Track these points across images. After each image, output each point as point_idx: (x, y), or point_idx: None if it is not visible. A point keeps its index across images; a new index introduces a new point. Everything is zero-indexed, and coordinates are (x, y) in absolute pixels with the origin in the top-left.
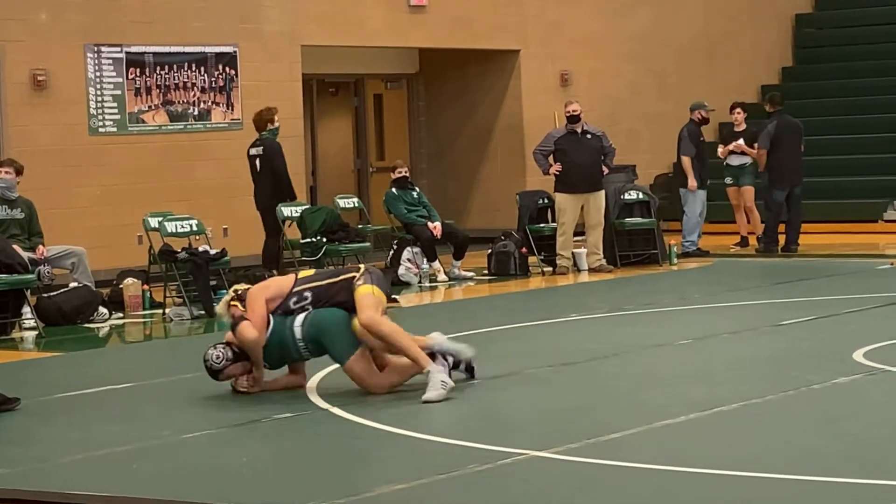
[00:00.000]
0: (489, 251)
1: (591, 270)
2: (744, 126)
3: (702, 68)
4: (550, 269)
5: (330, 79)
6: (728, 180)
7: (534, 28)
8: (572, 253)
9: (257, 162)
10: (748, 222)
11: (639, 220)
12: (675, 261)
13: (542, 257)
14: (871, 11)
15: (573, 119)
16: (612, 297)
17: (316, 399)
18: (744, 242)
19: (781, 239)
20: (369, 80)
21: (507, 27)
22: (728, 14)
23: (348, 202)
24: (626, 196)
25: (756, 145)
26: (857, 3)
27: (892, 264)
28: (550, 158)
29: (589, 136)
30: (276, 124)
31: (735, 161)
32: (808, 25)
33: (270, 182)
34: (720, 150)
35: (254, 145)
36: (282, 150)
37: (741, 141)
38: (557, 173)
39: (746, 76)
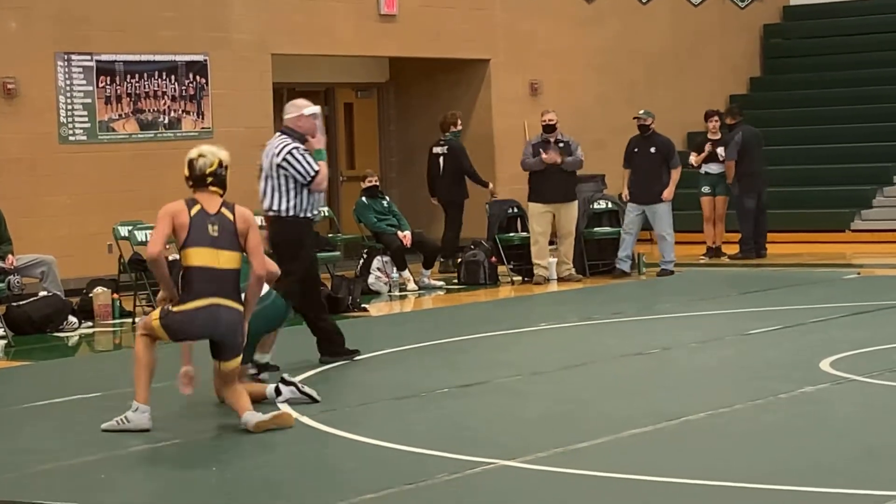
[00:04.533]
0: (459, 260)
1: (561, 280)
2: (719, 135)
3: (670, 79)
4: (520, 278)
5: (300, 87)
6: (706, 189)
7: (503, 38)
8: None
9: (441, 160)
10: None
11: (608, 229)
12: (644, 270)
13: (512, 266)
14: (840, 22)
15: (548, 128)
16: (581, 306)
17: (287, 409)
18: (710, 253)
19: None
20: (339, 89)
21: (476, 37)
22: (696, 25)
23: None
24: (596, 205)
25: (723, 156)
26: (825, 14)
27: (858, 274)
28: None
29: (561, 145)
30: (459, 127)
31: (714, 169)
32: (776, 36)
33: (452, 179)
34: (693, 158)
35: (437, 145)
36: (465, 150)
37: (720, 149)
38: (557, 161)
39: (715, 86)
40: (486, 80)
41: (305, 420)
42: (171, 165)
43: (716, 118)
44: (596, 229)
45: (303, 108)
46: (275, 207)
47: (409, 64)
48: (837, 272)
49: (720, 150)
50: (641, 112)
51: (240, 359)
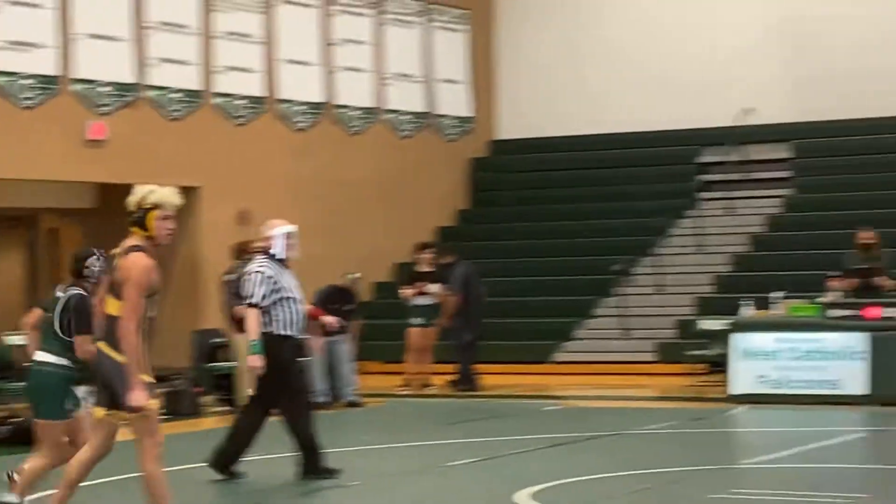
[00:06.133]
0: (163, 390)
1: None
2: (432, 267)
3: (379, 209)
4: (226, 408)
5: (3, 212)
6: (416, 321)
7: (214, 165)
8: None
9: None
10: (418, 363)
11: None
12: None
13: (218, 396)
14: (546, 157)
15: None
16: (279, 437)
17: None
18: (412, 384)
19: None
20: (45, 214)
21: (186, 164)
22: (404, 157)
23: (20, 339)
24: None
25: (445, 289)
26: (532, 149)
27: (559, 405)
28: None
29: None
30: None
31: (425, 301)
32: (484, 169)
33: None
34: (404, 291)
35: (228, 272)
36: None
37: (436, 286)
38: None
39: (423, 218)
40: (195, 208)
41: None
42: None
43: (429, 251)
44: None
45: (270, 229)
46: None
47: (119, 189)
48: (539, 403)
49: (433, 287)
50: (357, 275)
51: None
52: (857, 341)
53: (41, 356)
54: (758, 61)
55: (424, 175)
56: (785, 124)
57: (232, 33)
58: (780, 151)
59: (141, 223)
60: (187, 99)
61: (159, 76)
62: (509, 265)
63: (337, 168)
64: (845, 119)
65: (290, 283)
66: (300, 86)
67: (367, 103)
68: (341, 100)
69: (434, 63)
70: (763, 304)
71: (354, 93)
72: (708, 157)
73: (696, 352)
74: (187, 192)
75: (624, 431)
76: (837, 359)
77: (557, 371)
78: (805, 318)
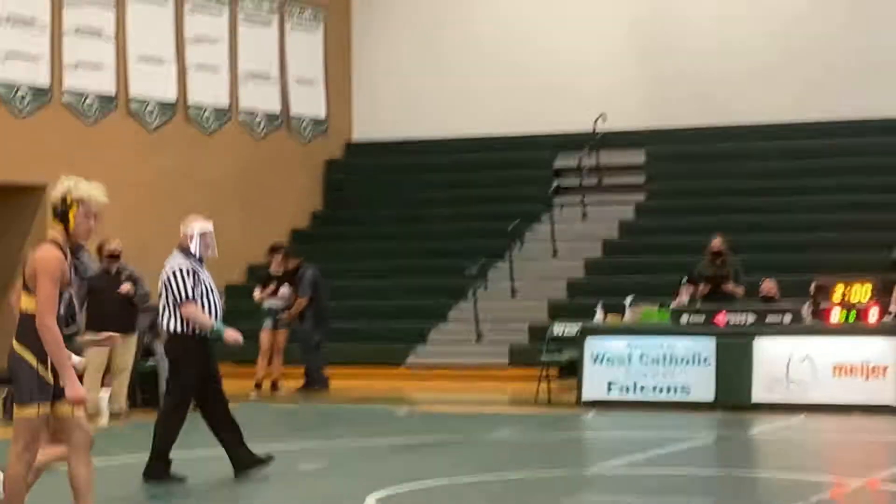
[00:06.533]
0: (4, 395)
1: (112, 415)
2: (282, 270)
3: (233, 210)
4: None
5: None
6: (268, 323)
7: (62, 164)
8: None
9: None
10: (269, 365)
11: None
12: None
13: None
14: (403, 159)
15: (111, 258)
16: (128, 441)
17: None
18: (260, 388)
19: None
20: None
21: (34, 161)
22: (260, 157)
23: None
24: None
25: (293, 291)
26: (389, 151)
27: (411, 409)
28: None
29: (123, 276)
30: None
31: (276, 304)
32: (339, 171)
33: None
34: (257, 293)
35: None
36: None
37: (287, 288)
38: (131, 293)
39: (278, 220)
40: (42, 205)
41: None
42: None
43: (280, 253)
44: (150, 363)
45: (188, 226)
46: (164, 325)
47: None
48: (391, 408)
49: (283, 289)
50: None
51: (24, 410)
52: (706, 347)
53: None
54: (614, 67)
55: (279, 176)
56: (639, 131)
57: (82, 29)
58: (634, 157)
59: (63, 218)
60: (36, 95)
61: (7, 72)
62: (363, 267)
63: (191, 168)
64: (698, 126)
65: (207, 278)
66: (153, 84)
67: (222, 103)
68: (195, 99)
69: (289, 63)
70: (615, 309)
71: (208, 92)
72: (563, 162)
73: (548, 357)
74: (35, 190)
75: (475, 436)
76: (687, 364)
77: (410, 375)
78: (656, 324)
